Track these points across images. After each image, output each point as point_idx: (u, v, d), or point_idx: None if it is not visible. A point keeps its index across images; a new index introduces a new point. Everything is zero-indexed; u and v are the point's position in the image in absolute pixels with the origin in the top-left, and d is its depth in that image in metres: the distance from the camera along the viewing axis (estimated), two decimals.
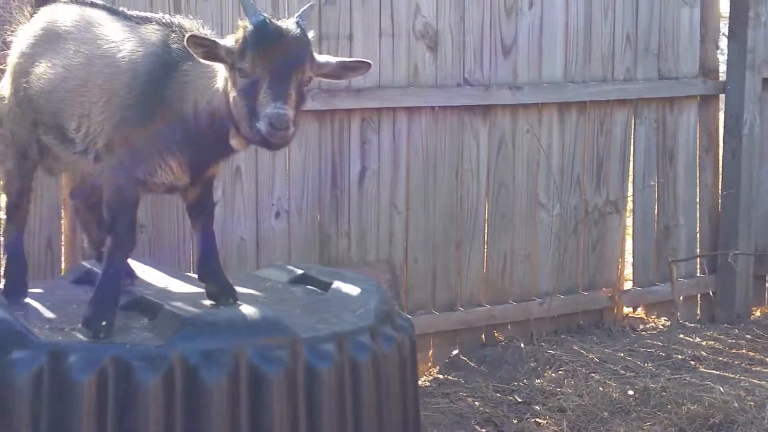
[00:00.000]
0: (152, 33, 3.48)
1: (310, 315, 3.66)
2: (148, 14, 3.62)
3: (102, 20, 3.61)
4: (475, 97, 5.64)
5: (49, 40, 3.65)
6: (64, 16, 3.70)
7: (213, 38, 3.30)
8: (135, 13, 3.64)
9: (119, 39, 3.50)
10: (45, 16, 3.76)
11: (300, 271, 4.13)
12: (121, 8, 3.72)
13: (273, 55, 3.20)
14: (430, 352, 5.61)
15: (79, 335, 3.34)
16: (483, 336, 5.84)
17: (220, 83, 3.33)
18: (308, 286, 4.03)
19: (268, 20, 3.25)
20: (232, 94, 3.25)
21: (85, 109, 3.48)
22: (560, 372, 5.46)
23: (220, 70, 3.34)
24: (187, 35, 3.27)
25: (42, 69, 3.61)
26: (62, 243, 4.75)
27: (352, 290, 3.88)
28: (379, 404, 3.61)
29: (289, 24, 3.29)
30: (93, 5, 3.73)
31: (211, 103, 3.35)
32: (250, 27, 3.23)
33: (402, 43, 5.43)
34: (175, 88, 3.39)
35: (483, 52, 5.65)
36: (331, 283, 3.95)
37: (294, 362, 3.38)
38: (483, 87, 5.66)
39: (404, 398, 3.76)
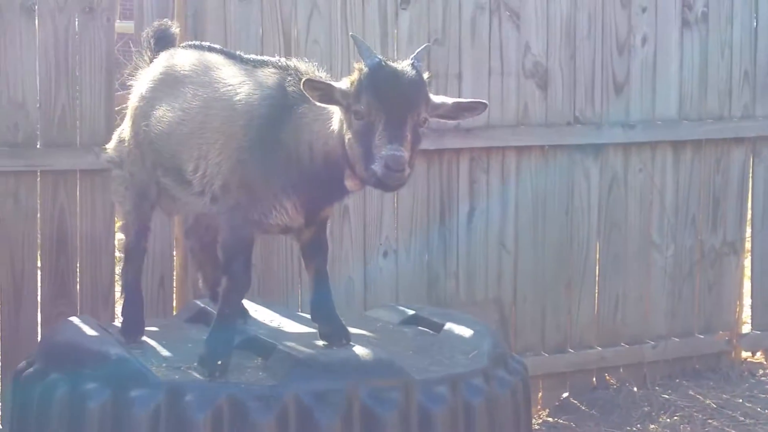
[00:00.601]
0: (268, 76, 3.59)
1: (422, 357, 3.69)
2: (265, 58, 3.74)
3: (219, 64, 3.74)
4: (587, 136, 5.66)
5: (168, 84, 3.80)
6: (182, 60, 3.85)
7: (328, 81, 3.39)
8: (252, 56, 3.77)
9: (236, 82, 3.62)
10: (164, 60, 3.92)
11: (411, 312, 4.17)
12: (238, 52, 3.87)
13: (389, 98, 3.27)
14: (540, 394, 5.61)
15: (196, 374, 3.44)
16: (594, 379, 5.81)
17: (335, 125, 3.42)
18: (420, 327, 4.07)
19: (383, 62, 3.32)
20: (348, 136, 3.33)
21: (203, 151, 3.60)
22: (675, 417, 5.41)
23: (336, 113, 3.42)
24: (303, 78, 3.36)
25: (161, 112, 3.75)
26: (174, 281, 4.91)
27: (465, 332, 3.90)
28: None
29: (404, 66, 3.36)
30: (211, 49, 3.87)
31: (327, 145, 3.44)
32: (365, 69, 3.31)
33: (511, 81, 5.47)
34: (290, 131, 3.49)
35: (594, 90, 5.67)
36: (443, 325, 3.98)
37: (407, 404, 3.42)
38: (594, 125, 5.67)
39: None
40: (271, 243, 4.95)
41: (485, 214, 5.48)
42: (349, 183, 3.45)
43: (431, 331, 4.01)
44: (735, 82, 6.03)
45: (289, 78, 3.56)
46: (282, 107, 3.51)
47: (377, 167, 3.22)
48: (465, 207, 5.44)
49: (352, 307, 5.09)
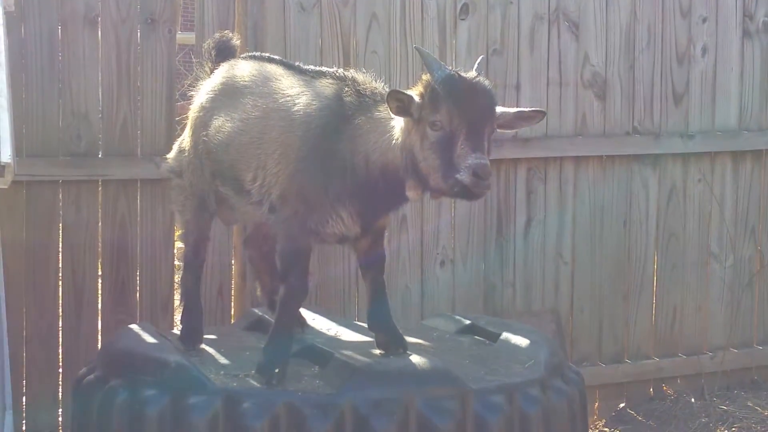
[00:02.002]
0: (326, 87, 3.57)
1: (479, 366, 3.65)
2: (323, 68, 3.71)
3: (278, 75, 3.72)
4: (645, 146, 5.57)
5: (228, 95, 3.78)
6: (242, 71, 3.83)
7: (409, 93, 3.35)
8: (310, 67, 3.74)
9: (294, 93, 3.60)
10: (224, 71, 3.90)
11: (467, 321, 4.13)
12: (297, 63, 3.84)
13: (469, 108, 3.26)
14: (596, 404, 5.53)
15: (253, 382, 3.42)
16: (651, 389, 5.72)
17: (396, 136, 3.38)
18: (476, 337, 4.02)
19: (457, 74, 3.30)
20: (423, 147, 3.29)
21: (261, 161, 3.58)
22: (734, 429, 5.32)
23: (397, 125, 3.39)
24: (388, 91, 3.32)
25: (220, 122, 3.73)
26: (232, 290, 4.90)
27: (522, 341, 3.85)
28: None
29: (478, 77, 3.34)
30: (270, 60, 3.85)
31: (385, 156, 3.41)
32: (440, 80, 3.28)
33: (569, 91, 5.41)
34: (347, 141, 3.46)
35: (653, 100, 5.59)
36: (499, 334, 3.93)
37: (463, 413, 3.37)
38: (653, 135, 5.59)
39: None
40: (328, 252, 4.93)
41: (542, 224, 5.42)
42: (411, 193, 3.42)
43: (487, 341, 3.96)
44: None
45: (346, 88, 3.53)
46: (339, 117, 3.49)
47: (464, 176, 3.20)
48: (522, 217, 5.38)
49: (408, 316, 5.05)
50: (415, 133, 3.32)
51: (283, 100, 3.61)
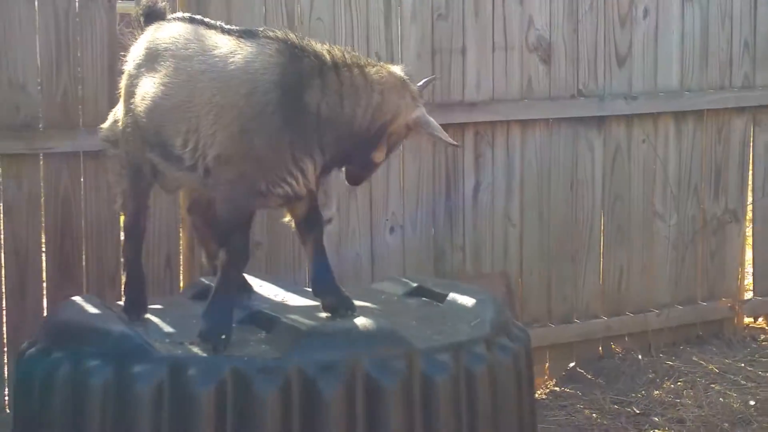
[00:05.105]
0: (266, 45, 3.41)
1: (425, 326, 3.56)
2: (250, 28, 3.53)
3: (201, 35, 3.53)
4: (590, 109, 5.45)
5: (151, 59, 3.59)
6: (163, 33, 3.63)
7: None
8: (233, 27, 3.56)
9: (224, 53, 3.43)
10: (147, 36, 3.70)
11: (415, 284, 4.02)
12: (219, 22, 3.62)
13: None
14: (547, 365, 5.43)
15: (199, 349, 3.29)
16: (600, 348, 5.62)
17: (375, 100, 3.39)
18: (424, 298, 3.92)
19: None
20: None
21: (192, 124, 3.41)
22: (679, 383, 5.27)
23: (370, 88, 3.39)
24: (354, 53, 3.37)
25: (145, 88, 3.55)
26: (180, 260, 4.70)
27: (468, 301, 3.77)
28: (495, 415, 3.48)
29: None
30: (192, 21, 3.64)
31: (362, 117, 3.38)
32: None
33: (515, 55, 5.26)
34: (315, 96, 3.36)
35: (597, 63, 5.46)
36: (446, 295, 3.84)
37: (410, 373, 3.29)
38: (597, 98, 5.46)
39: (520, 409, 3.62)
40: (278, 221, 4.74)
41: (491, 188, 5.28)
42: (377, 154, 3.42)
43: (435, 302, 3.85)
44: (735, 52, 5.81)
45: (290, 44, 3.39)
46: (297, 74, 3.36)
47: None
48: (471, 181, 5.24)
49: (359, 283, 4.89)
50: None
51: (212, 60, 3.43)
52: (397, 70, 3.49)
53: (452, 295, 3.81)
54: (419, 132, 3.47)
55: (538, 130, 5.36)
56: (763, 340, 5.97)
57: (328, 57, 3.40)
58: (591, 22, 5.43)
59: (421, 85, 3.50)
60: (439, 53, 5.06)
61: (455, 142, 3.69)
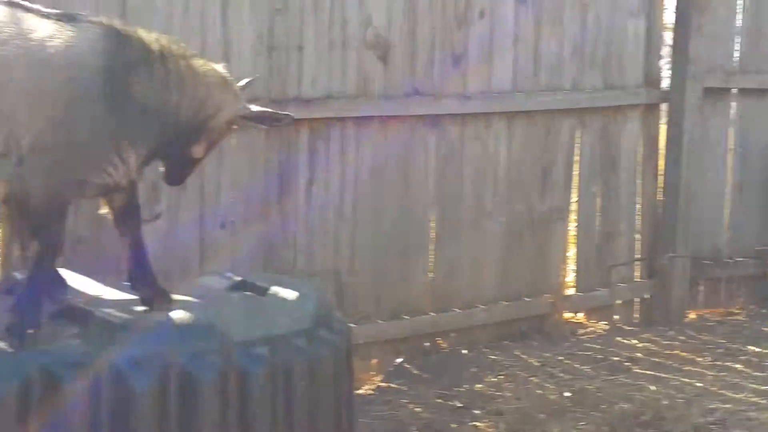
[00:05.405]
0: (88, 29, 3.27)
1: (245, 319, 3.51)
2: (71, 12, 3.35)
3: (21, 18, 3.29)
4: (425, 107, 5.44)
5: None
6: None
7: None
8: (53, 11, 3.34)
9: (42, 36, 3.22)
10: None
11: (239, 278, 3.94)
12: (36, 6, 3.38)
13: None
14: (375, 360, 5.43)
15: (3, 345, 3.12)
16: (427, 344, 5.66)
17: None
18: (246, 292, 3.85)
19: None
20: None
21: (5, 110, 3.20)
22: (500, 377, 5.38)
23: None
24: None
25: None
26: None
27: (290, 294, 3.73)
28: (313, 408, 3.47)
29: None
30: (10, 4, 3.35)
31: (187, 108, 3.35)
32: None
33: (352, 53, 5.18)
34: (145, 85, 3.27)
35: (434, 62, 5.44)
36: (268, 288, 3.79)
37: (226, 366, 3.24)
38: (433, 97, 5.46)
39: (338, 402, 3.62)
40: (102, 216, 4.53)
41: (324, 185, 5.20)
42: (198, 148, 3.39)
43: (257, 296, 3.79)
44: (565, 56, 5.92)
45: (114, 30, 3.28)
46: (121, 61, 3.25)
47: None
48: (304, 177, 5.15)
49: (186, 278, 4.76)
50: None
51: (28, 44, 3.21)
52: (220, 67, 3.47)
53: (274, 289, 3.77)
54: (246, 126, 3.47)
55: (373, 127, 5.31)
56: (581, 335, 6.15)
57: (155, 45, 3.32)
58: (428, 22, 5.40)
59: (242, 86, 3.49)
60: (277, 50, 4.93)
61: (286, 113, 3.64)
